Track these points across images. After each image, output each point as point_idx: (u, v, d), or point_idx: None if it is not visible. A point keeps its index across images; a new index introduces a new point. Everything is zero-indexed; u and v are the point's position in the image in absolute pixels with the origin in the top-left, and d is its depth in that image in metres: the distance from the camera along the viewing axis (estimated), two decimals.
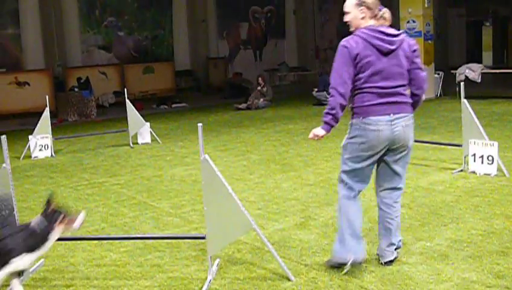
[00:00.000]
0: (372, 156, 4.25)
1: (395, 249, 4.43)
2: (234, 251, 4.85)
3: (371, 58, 4.18)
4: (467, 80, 15.69)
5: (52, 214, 4.00)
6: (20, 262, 3.88)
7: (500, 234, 4.96)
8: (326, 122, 4.34)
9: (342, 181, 4.38)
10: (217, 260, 4.54)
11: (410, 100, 4.36)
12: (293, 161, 8.70)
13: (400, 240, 4.49)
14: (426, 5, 16.99)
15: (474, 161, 7.03)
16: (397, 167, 4.33)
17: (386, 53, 4.22)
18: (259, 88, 17.39)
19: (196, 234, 5.32)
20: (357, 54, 4.17)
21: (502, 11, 33.07)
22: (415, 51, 4.36)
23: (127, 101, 10.91)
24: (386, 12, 4.67)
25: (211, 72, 23.83)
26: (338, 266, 4.29)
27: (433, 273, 4.17)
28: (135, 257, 4.86)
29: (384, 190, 4.41)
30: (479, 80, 15.86)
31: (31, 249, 3.91)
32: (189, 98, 20.38)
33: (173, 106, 19.02)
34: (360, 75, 4.20)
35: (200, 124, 4.23)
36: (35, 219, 4.01)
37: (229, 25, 25.73)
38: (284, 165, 8.40)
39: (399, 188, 4.41)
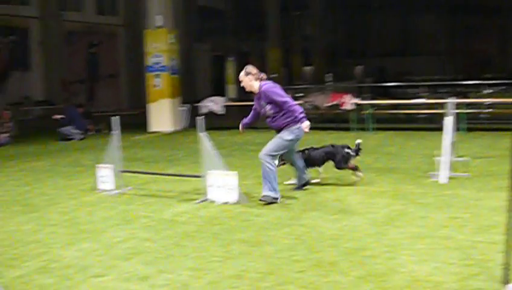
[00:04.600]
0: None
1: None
2: None
3: None
4: (212, 112, 16.54)
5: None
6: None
7: (237, 258, 5.29)
8: (305, 117, 7.42)
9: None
10: None
11: None
12: (36, 200, 8.32)
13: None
14: (171, 41, 17.59)
15: (215, 190, 7.43)
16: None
17: None
18: (3, 124, 16.39)
19: None
20: None
21: (243, 47, 35.55)
22: None
23: None
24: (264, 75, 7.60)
25: None
26: (272, 202, 7.32)
27: None
28: None
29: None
30: (223, 112, 16.82)
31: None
32: None
33: None
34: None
35: None
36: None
37: None
38: (27, 205, 8.00)
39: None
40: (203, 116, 7.86)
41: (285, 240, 5.80)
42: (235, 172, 7.48)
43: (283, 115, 7.42)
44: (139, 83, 27.54)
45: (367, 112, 15.93)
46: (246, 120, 8.02)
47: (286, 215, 6.82)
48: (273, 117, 7.49)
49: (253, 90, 7.59)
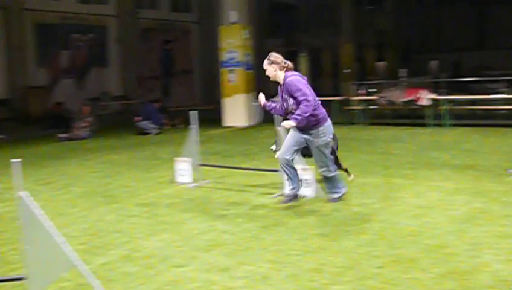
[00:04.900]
0: None
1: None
2: (58, 288, 4.67)
3: None
4: None
5: None
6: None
7: (316, 252, 5.30)
8: (298, 120, 6.58)
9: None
10: None
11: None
12: (116, 192, 8.58)
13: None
14: (245, 36, 17.71)
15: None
16: None
17: None
18: (83, 118, 16.97)
19: (15, 275, 5.06)
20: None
21: (315, 42, 35.40)
22: None
23: None
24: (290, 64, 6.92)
25: (30, 101, 22.80)
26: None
27: None
28: None
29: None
30: None
31: None
32: (6, 129, 19.29)
33: None
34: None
35: (16, 160, 4.06)
36: None
37: (49, 53, 24.83)
38: (108, 197, 8.26)
39: None
40: None
41: (364, 235, 5.76)
42: (312, 167, 7.48)
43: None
44: (213, 78, 27.92)
45: (444, 107, 15.58)
46: (272, 104, 7.27)
47: (364, 210, 6.77)
48: None
49: (278, 80, 6.93)
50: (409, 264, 4.89)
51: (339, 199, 7.20)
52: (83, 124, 16.77)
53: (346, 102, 18.27)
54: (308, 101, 6.61)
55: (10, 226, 6.86)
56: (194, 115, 8.51)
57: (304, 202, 7.22)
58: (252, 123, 17.68)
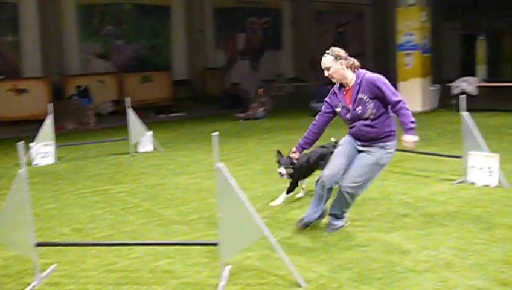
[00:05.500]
0: None
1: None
2: (243, 257, 4.93)
3: None
4: (464, 92, 15.86)
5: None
6: None
7: (503, 243, 5.08)
8: (414, 128, 5.25)
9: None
10: (229, 266, 4.63)
11: None
12: None
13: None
14: (423, 19, 17.20)
15: (475, 172, 7.17)
16: None
17: None
18: (258, 99, 17.56)
19: (208, 240, 5.41)
20: None
21: (496, 25, 33.43)
22: None
23: (129, 109, 10.96)
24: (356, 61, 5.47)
25: (208, 82, 23.99)
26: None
27: (440, 281, 4.27)
28: (146, 263, 4.94)
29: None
30: (476, 93, 16.06)
31: None
32: (186, 108, 20.52)
33: (171, 115, 19.17)
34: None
35: (215, 133, 4.35)
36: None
37: (226, 36, 25.89)
38: None
39: None
40: (464, 96, 7.58)
41: None
42: (497, 154, 7.15)
43: (386, 120, 5.37)
44: (386, 61, 27.50)
45: None
46: (304, 141, 6.03)
47: None
48: (374, 120, 5.33)
49: (345, 81, 5.42)
50: None
51: (339, 228, 5.66)
52: (259, 105, 17.34)
53: None
54: (403, 102, 5.23)
55: (197, 197, 7.33)
56: None
57: (487, 191, 6.92)
58: (427, 108, 17.17)
